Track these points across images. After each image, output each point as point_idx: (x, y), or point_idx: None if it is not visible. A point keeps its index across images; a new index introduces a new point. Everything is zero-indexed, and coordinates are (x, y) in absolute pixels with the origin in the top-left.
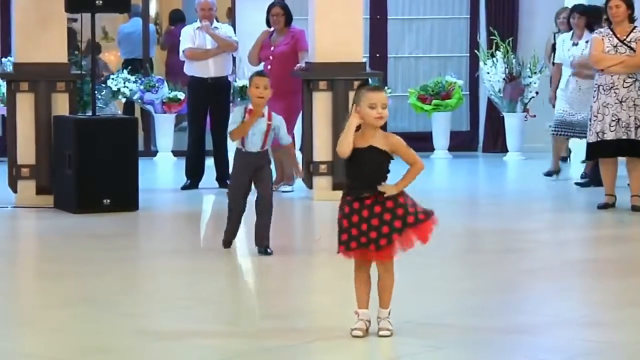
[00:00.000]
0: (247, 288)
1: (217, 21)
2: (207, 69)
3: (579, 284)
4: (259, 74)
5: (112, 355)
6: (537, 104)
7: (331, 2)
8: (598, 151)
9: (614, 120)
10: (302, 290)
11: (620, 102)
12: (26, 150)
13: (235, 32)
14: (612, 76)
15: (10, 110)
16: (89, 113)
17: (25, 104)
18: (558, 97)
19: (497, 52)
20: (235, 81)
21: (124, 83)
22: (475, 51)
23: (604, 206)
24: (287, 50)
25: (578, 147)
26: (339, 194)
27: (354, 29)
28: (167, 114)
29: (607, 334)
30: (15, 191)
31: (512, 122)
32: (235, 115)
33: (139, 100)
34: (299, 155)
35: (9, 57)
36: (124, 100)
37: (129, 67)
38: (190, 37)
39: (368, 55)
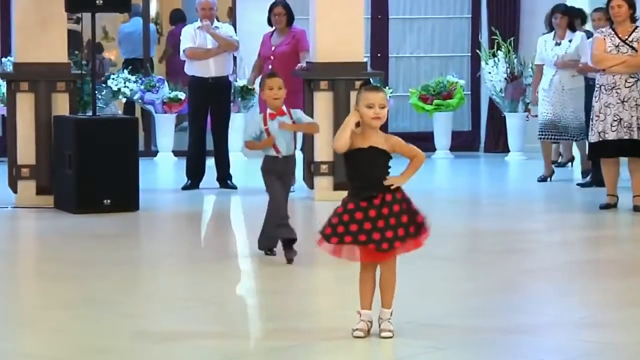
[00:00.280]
0: (248, 289)
1: (218, 21)
2: (208, 69)
3: (580, 285)
4: (271, 75)
5: (112, 356)
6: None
7: (332, 2)
8: (600, 151)
9: (615, 120)
10: (304, 291)
11: (622, 102)
12: (26, 150)
13: (235, 32)
14: (613, 76)
15: (10, 110)
16: (89, 113)
17: (25, 104)
18: (541, 99)
19: (499, 51)
20: (236, 81)
21: (125, 83)
22: (477, 51)
23: (605, 206)
24: (288, 50)
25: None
26: (340, 194)
27: (355, 28)
28: (167, 114)
29: (608, 334)
30: (15, 191)
31: (513, 122)
32: (254, 125)
33: (140, 100)
34: (299, 156)
35: (9, 57)
36: (124, 100)
37: (130, 67)
38: (190, 36)
39: (369, 55)
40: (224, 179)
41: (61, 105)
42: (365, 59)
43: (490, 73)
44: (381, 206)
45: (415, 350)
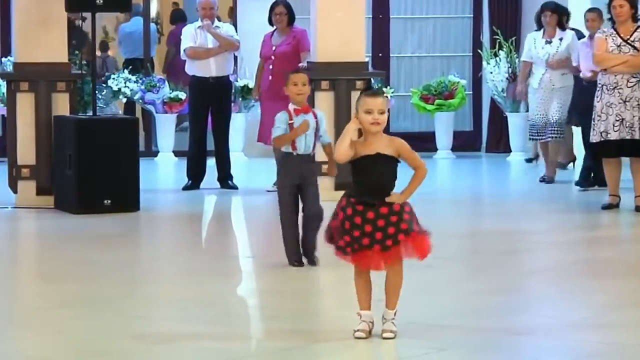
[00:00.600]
0: (249, 289)
1: (219, 20)
2: (209, 69)
3: (582, 285)
4: (296, 71)
5: (112, 357)
6: None
7: (333, 2)
8: (602, 151)
9: (617, 120)
10: (305, 292)
11: (624, 101)
12: (26, 150)
13: (236, 32)
14: (615, 76)
15: (10, 110)
16: (90, 113)
17: (25, 104)
18: (532, 99)
19: (501, 51)
20: (237, 81)
21: (125, 83)
22: (479, 51)
23: (607, 207)
24: (289, 50)
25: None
26: (341, 194)
27: (357, 28)
28: (168, 114)
29: (610, 335)
30: (15, 192)
31: (515, 122)
32: (280, 120)
33: (140, 100)
34: None
35: (9, 57)
36: (124, 100)
37: (130, 67)
38: (191, 36)
39: (370, 54)
40: (225, 179)
41: (61, 105)
42: (366, 59)
43: (491, 73)
44: (380, 206)
45: (417, 351)
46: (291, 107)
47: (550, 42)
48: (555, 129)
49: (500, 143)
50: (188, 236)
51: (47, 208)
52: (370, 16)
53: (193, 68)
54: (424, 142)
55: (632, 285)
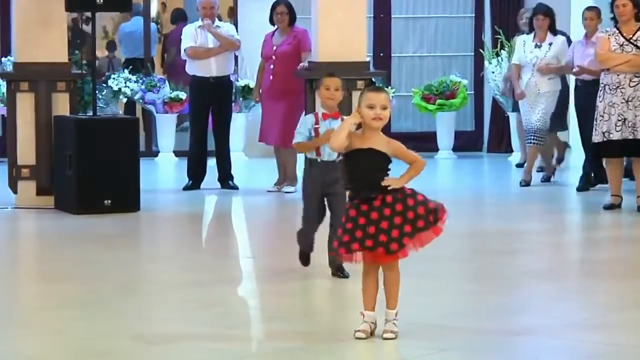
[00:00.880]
0: (250, 290)
1: (220, 20)
2: (209, 68)
3: (583, 286)
4: (331, 74)
5: (112, 358)
6: None
7: (334, 1)
8: (604, 151)
9: (620, 120)
10: (305, 292)
11: (627, 101)
12: (26, 150)
13: (237, 31)
14: (618, 75)
15: (10, 110)
16: (90, 113)
17: (25, 103)
18: (520, 104)
19: (502, 51)
20: (238, 80)
21: (125, 83)
22: (480, 50)
23: (609, 207)
24: (290, 50)
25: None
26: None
27: (358, 27)
28: (168, 114)
29: (611, 336)
30: (15, 192)
31: (516, 121)
32: (304, 124)
33: (140, 100)
34: (301, 156)
35: (9, 57)
36: (125, 100)
37: (130, 67)
38: (192, 35)
39: (372, 54)
40: (226, 179)
41: (61, 105)
42: (367, 59)
43: (493, 72)
44: (382, 207)
45: (418, 352)
46: (319, 110)
47: (539, 46)
48: (537, 135)
49: (501, 143)
50: (188, 236)
51: (47, 208)
52: (372, 15)
53: (193, 68)
54: (425, 142)
55: (634, 286)
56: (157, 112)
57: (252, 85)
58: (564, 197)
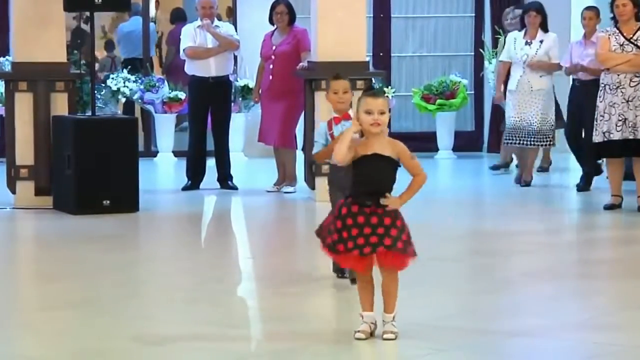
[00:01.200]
0: (249, 290)
1: (219, 20)
2: (208, 68)
3: (583, 286)
4: (337, 77)
5: (111, 358)
6: None
7: (334, 1)
8: (604, 151)
9: (620, 120)
10: (305, 293)
11: (627, 101)
12: (25, 150)
13: (236, 31)
14: (618, 75)
15: (8, 110)
16: (89, 113)
17: (23, 103)
18: (508, 101)
19: None
20: (237, 80)
21: (124, 83)
22: (480, 50)
23: (610, 207)
24: (289, 50)
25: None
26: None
27: (357, 27)
28: (167, 114)
29: (612, 336)
30: (14, 192)
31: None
32: (319, 133)
33: (139, 100)
34: (300, 156)
35: (7, 57)
36: (123, 100)
37: (129, 67)
38: (191, 35)
39: (371, 54)
40: (225, 179)
41: (60, 105)
42: (367, 58)
43: (493, 72)
44: (371, 214)
45: (417, 352)
46: (331, 115)
47: (530, 44)
48: (539, 136)
49: (501, 143)
50: (187, 237)
51: (45, 208)
52: (371, 15)
53: (193, 68)
54: (425, 142)
55: (634, 286)
56: (156, 112)
57: (251, 85)
58: (564, 197)
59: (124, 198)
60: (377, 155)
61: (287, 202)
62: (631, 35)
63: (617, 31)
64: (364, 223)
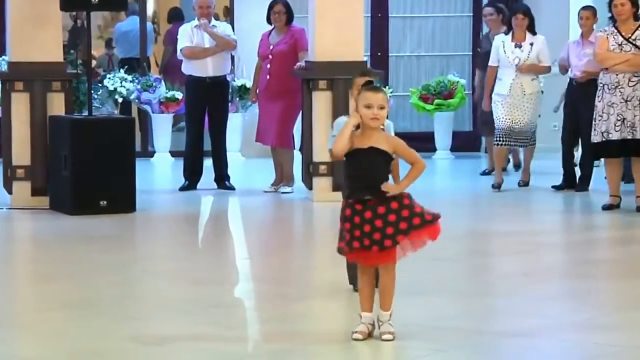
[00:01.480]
0: (246, 291)
1: (216, 19)
2: (206, 68)
3: (583, 286)
4: (364, 74)
5: (109, 359)
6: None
7: (332, 0)
8: (603, 151)
9: (619, 120)
10: (303, 293)
11: (626, 101)
12: (21, 150)
13: (233, 31)
14: (617, 75)
15: (5, 110)
16: (85, 113)
17: (20, 103)
18: (498, 104)
19: None
20: (234, 80)
21: (121, 82)
22: (478, 50)
23: (608, 207)
24: (287, 50)
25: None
26: (339, 195)
27: (355, 27)
28: (164, 114)
29: (612, 337)
30: (10, 192)
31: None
32: (337, 128)
33: (136, 100)
34: (298, 156)
35: (3, 56)
36: (120, 100)
37: (126, 67)
38: (188, 35)
39: (369, 54)
40: (222, 179)
41: (57, 105)
42: (365, 58)
43: None
44: (377, 206)
45: (416, 353)
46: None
47: (520, 47)
48: (528, 137)
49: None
50: (185, 237)
51: (42, 209)
52: (369, 15)
53: (190, 68)
54: (423, 142)
55: (633, 287)
56: (153, 112)
57: (248, 85)
58: (562, 197)
59: (121, 198)
60: (373, 148)
61: (284, 203)
62: (630, 35)
63: (616, 31)
64: (372, 217)
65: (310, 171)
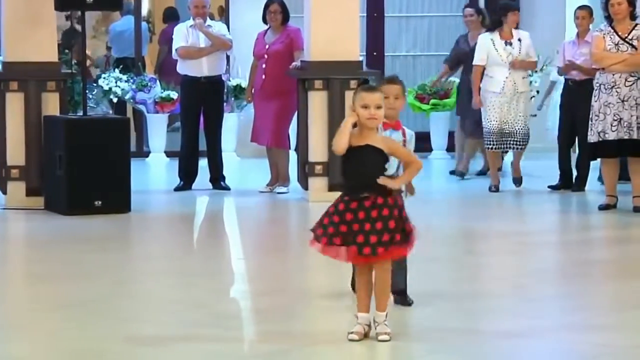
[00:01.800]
0: (242, 291)
1: (212, 19)
2: (201, 68)
3: (580, 287)
4: (390, 80)
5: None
6: (537, 104)
7: (327, 0)
8: (599, 151)
9: (615, 120)
10: (298, 293)
11: (622, 101)
12: (16, 151)
13: (229, 30)
14: (613, 75)
15: None
16: (80, 113)
17: (14, 103)
18: (490, 104)
19: None
20: (229, 80)
21: (116, 82)
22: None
23: (605, 207)
24: (282, 49)
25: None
26: (335, 195)
27: (350, 26)
28: (159, 114)
29: (608, 337)
30: (4, 192)
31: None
32: None
33: (131, 100)
34: (293, 156)
35: None
36: (115, 99)
37: (121, 66)
38: (183, 35)
39: (365, 53)
40: (217, 179)
41: (51, 105)
42: (360, 58)
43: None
44: (371, 208)
45: (412, 353)
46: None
47: (510, 44)
48: (522, 138)
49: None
50: (180, 237)
51: (37, 209)
52: (365, 14)
53: (185, 67)
54: (419, 142)
55: (630, 287)
56: (148, 112)
57: (244, 84)
58: (559, 198)
59: (116, 198)
60: (369, 146)
61: (279, 203)
62: (626, 35)
63: (612, 30)
64: (364, 219)
65: (305, 171)
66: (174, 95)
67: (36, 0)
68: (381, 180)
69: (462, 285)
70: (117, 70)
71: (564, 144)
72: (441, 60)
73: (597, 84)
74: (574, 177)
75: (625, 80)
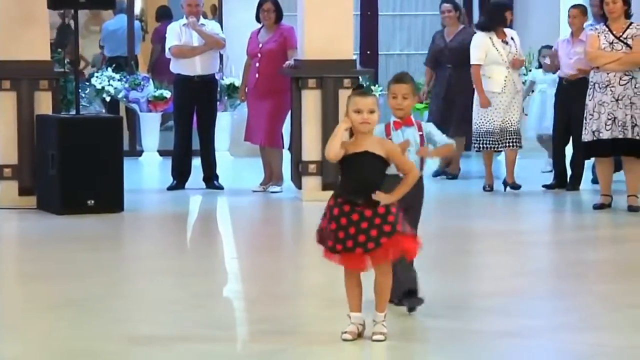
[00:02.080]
0: (236, 291)
1: (205, 18)
2: (194, 67)
3: (575, 286)
4: (398, 80)
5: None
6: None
7: None
8: (594, 150)
9: (610, 119)
10: (292, 293)
11: (617, 100)
12: (8, 150)
13: (222, 29)
14: (608, 74)
15: None
16: (73, 112)
17: (7, 102)
18: (492, 105)
19: None
20: (222, 79)
21: (109, 81)
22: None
23: (599, 206)
24: (276, 48)
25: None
26: (329, 194)
27: (344, 25)
28: (152, 113)
29: (603, 337)
30: None
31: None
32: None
33: (124, 99)
34: (287, 155)
35: None
36: (108, 98)
37: (114, 65)
38: (176, 33)
39: (358, 52)
40: (210, 179)
41: (44, 104)
42: (354, 57)
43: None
44: (365, 209)
45: (409, 353)
46: (390, 119)
47: (506, 42)
48: (517, 137)
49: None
50: (173, 237)
51: (29, 209)
52: (359, 13)
53: (178, 66)
54: None
55: (624, 287)
56: (141, 111)
57: (237, 83)
58: (554, 197)
59: (109, 198)
60: (368, 153)
61: (273, 202)
62: (621, 34)
63: (607, 29)
64: (359, 220)
65: (299, 170)
66: (167, 94)
67: None
68: (376, 197)
69: (457, 285)
70: (110, 69)
71: (559, 143)
72: None
73: (592, 83)
74: (568, 176)
75: (620, 79)
